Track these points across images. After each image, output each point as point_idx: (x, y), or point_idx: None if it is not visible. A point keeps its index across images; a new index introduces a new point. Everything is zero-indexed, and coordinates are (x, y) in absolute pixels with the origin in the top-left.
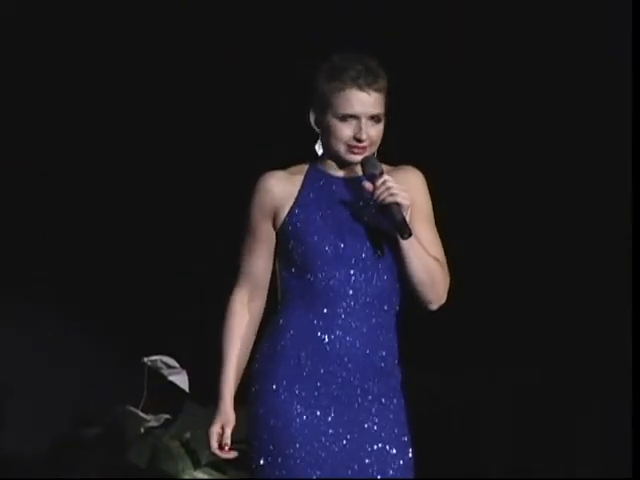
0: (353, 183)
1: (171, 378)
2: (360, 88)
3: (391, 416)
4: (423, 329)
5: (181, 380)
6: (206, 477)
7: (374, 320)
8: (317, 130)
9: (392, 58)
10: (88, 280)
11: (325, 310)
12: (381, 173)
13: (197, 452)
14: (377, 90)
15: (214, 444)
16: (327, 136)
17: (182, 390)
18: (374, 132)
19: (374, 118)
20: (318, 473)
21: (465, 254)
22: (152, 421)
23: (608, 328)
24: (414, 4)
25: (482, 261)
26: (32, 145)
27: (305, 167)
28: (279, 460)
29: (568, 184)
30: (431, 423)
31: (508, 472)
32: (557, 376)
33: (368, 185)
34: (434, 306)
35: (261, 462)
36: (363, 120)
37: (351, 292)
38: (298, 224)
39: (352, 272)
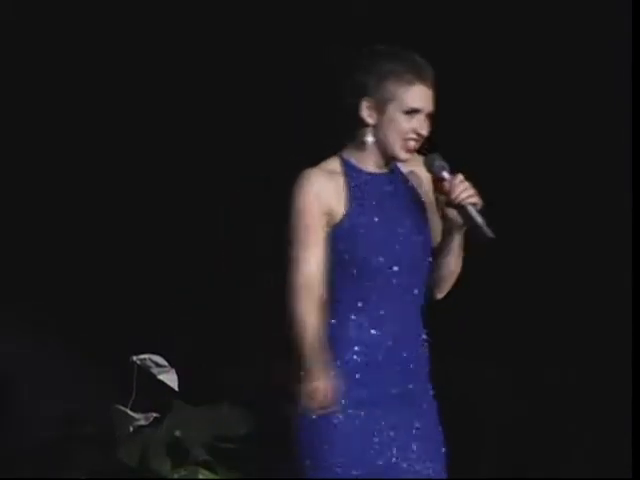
0: (396, 179)
1: (160, 377)
2: (427, 85)
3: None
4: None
5: (170, 379)
6: (196, 476)
7: (419, 318)
8: (369, 122)
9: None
10: (76, 278)
11: (382, 312)
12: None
13: (187, 451)
14: (434, 89)
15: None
16: (384, 128)
17: (171, 389)
18: (427, 129)
19: (429, 115)
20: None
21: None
22: (141, 420)
23: (608, 328)
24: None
25: (482, 260)
26: (20, 151)
27: (336, 164)
28: None
29: (568, 184)
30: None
31: (508, 472)
32: (557, 376)
33: (447, 185)
34: (443, 295)
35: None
36: (423, 116)
37: (416, 291)
38: (356, 227)
39: (409, 272)
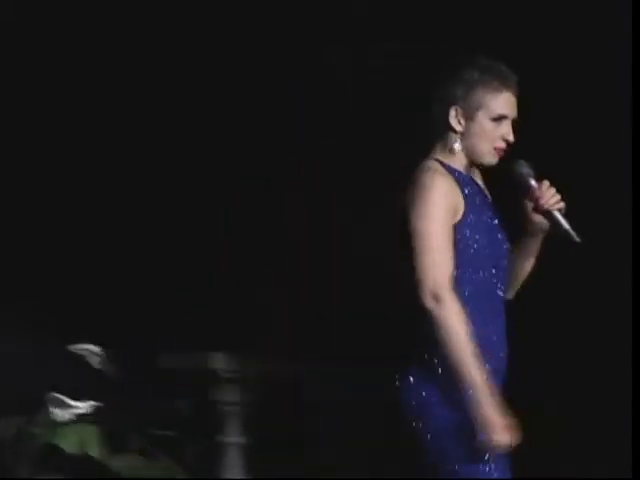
0: (484, 184)
1: (98, 366)
2: (512, 92)
3: None
4: None
5: (108, 368)
6: (134, 463)
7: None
8: (458, 129)
9: None
10: (76, 278)
11: (489, 305)
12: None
13: (125, 438)
14: (517, 96)
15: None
16: (473, 136)
17: (110, 378)
18: (513, 136)
19: (513, 122)
20: None
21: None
22: (81, 408)
23: (609, 327)
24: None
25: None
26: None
27: (439, 167)
28: None
29: (568, 184)
30: None
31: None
32: (557, 375)
33: (537, 191)
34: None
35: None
36: (510, 122)
37: (501, 289)
38: (470, 228)
39: (502, 271)
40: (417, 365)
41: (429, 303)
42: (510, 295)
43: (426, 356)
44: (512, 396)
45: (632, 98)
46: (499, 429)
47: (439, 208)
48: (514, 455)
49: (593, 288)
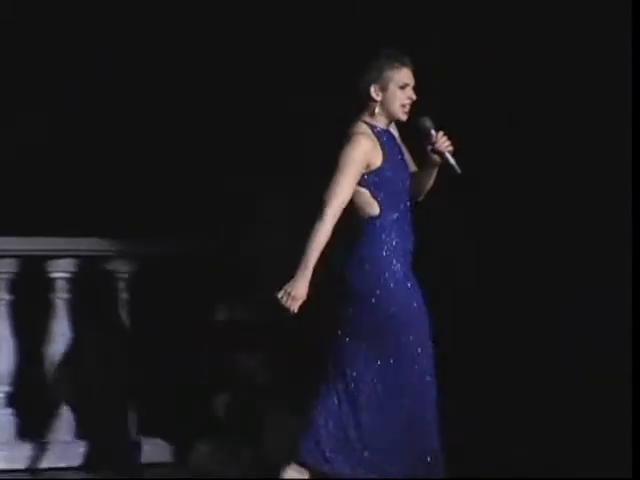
0: (396, 134)
1: None
2: (409, 68)
3: None
4: None
5: None
6: None
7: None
8: (377, 99)
9: None
10: None
11: (406, 229)
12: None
13: None
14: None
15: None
16: (388, 100)
17: None
18: (414, 97)
19: (414, 88)
20: None
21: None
22: None
23: (609, 327)
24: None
25: (480, 262)
26: None
27: (364, 127)
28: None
29: (568, 184)
30: None
31: (508, 472)
32: (557, 375)
33: (435, 138)
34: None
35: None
36: (411, 88)
37: (408, 202)
38: (387, 173)
39: (409, 202)
40: None
41: (323, 210)
42: (420, 199)
43: None
44: (512, 396)
45: (632, 98)
46: (296, 293)
47: (355, 157)
48: (514, 455)
49: (593, 288)
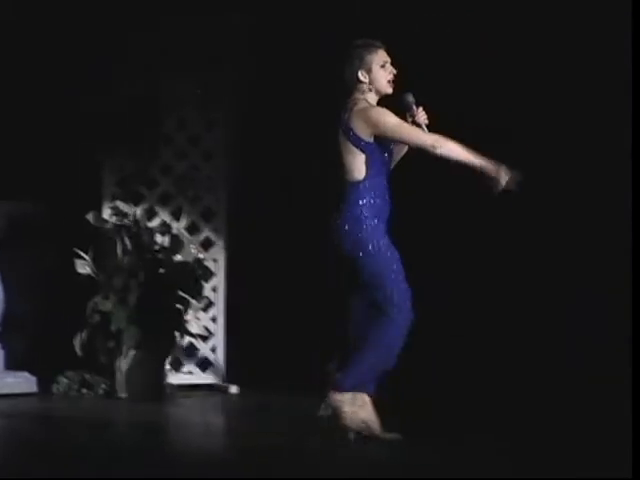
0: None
1: None
2: (384, 49)
3: None
4: None
5: None
6: None
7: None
8: (365, 81)
9: None
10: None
11: (386, 195)
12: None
13: None
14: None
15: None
16: (374, 79)
17: None
18: (394, 71)
19: (392, 64)
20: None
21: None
22: None
23: (609, 327)
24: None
25: (480, 264)
26: None
27: (365, 102)
28: None
29: (568, 184)
30: None
31: (508, 471)
32: (557, 375)
33: (415, 112)
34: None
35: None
36: (389, 64)
37: (388, 170)
38: (380, 143)
39: (389, 159)
40: None
41: (430, 142)
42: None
43: None
44: (512, 396)
45: (632, 98)
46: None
47: (391, 116)
48: (514, 455)
49: (593, 288)
